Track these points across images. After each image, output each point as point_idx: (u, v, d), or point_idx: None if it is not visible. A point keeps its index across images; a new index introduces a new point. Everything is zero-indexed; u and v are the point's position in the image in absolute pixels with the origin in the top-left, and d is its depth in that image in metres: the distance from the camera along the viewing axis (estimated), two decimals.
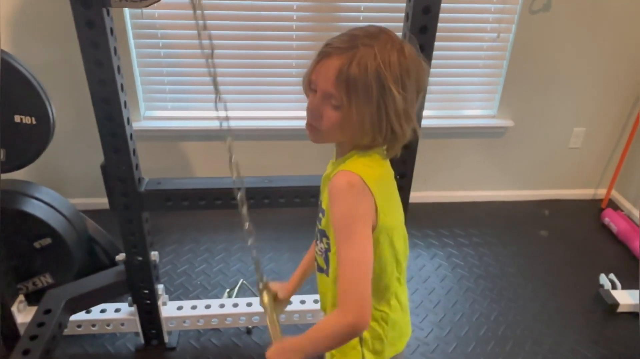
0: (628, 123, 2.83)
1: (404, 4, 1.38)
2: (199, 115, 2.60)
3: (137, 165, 1.57)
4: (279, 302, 1.22)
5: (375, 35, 0.84)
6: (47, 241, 1.79)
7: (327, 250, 1.01)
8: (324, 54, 0.86)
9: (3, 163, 1.73)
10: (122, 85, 1.42)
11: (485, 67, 2.65)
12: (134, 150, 1.54)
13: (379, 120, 0.84)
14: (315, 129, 0.91)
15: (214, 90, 1.17)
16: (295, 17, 2.39)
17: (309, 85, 0.90)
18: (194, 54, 2.43)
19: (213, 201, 1.63)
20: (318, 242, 1.05)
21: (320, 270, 1.07)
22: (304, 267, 1.28)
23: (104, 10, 1.29)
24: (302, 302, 1.96)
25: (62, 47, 2.28)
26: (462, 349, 2.00)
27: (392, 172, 1.00)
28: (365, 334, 1.03)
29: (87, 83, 1.37)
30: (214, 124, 2.64)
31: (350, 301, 0.85)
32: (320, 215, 1.01)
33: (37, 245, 1.79)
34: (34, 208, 1.77)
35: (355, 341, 1.03)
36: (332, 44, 0.85)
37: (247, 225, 1.21)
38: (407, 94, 0.84)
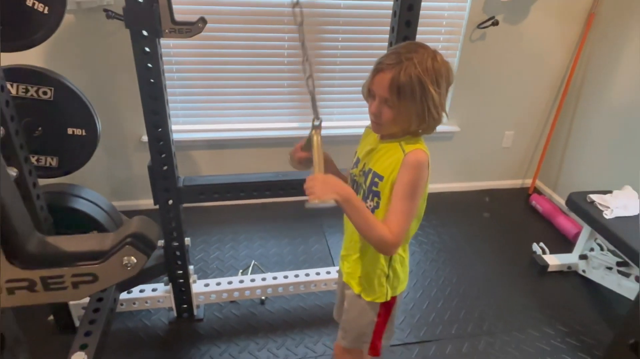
0: (546, 127, 3.05)
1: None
2: (205, 128, 2.66)
3: (176, 165, 1.65)
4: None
5: (414, 49, 1.00)
6: (94, 233, 1.83)
7: (376, 207, 1.10)
8: (378, 70, 1.02)
9: (55, 169, 1.78)
10: (167, 100, 1.51)
11: None
12: (174, 153, 1.63)
13: (422, 113, 1.00)
14: (376, 124, 1.08)
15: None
16: (286, 46, 2.52)
17: (369, 93, 1.06)
18: (202, 77, 2.52)
19: (238, 194, 1.73)
20: (368, 201, 1.11)
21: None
22: (336, 170, 1.26)
23: (157, 40, 1.38)
24: (317, 273, 2.07)
25: (84, 71, 2.33)
26: (433, 305, 2.15)
27: None
28: (391, 272, 1.17)
29: (140, 98, 1.45)
30: (218, 135, 2.74)
31: (398, 233, 1.00)
32: (377, 179, 1.08)
33: None
34: (82, 205, 1.80)
35: (383, 280, 1.17)
36: (383, 61, 1.01)
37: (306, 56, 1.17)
38: (441, 90, 1.00)
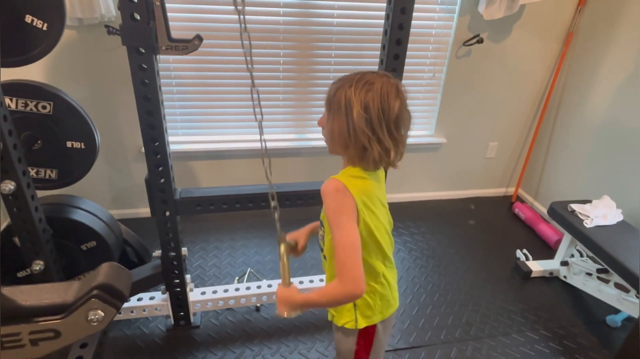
0: (528, 139, 3.04)
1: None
2: (203, 139, 2.60)
3: (173, 178, 1.59)
4: (296, 250, 1.18)
5: (357, 76, 0.93)
6: (93, 244, 1.76)
7: (323, 235, 1.06)
8: (332, 84, 0.98)
9: (55, 181, 1.71)
10: (164, 115, 1.46)
11: (424, 98, 2.78)
12: (171, 166, 1.57)
13: (347, 133, 0.91)
14: (325, 140, 1.02)
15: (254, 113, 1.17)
16: (281, 62, 2.48)
17: None
18: (200, 90, 2.46)
19: (234, 205, 1.67)
20: (320, 230, 1.09)
21: (321, 250, 1.11)
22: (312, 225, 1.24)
23: (154, 57, 1.33)
24: (311, 281, 2.03)
25: (84, 85, 2.26)
26: (423, 311, 2.10)
27: (377, 182, 1.01)
28: (359, 302, 1.07)
29: (137, 112, 1.39)
30: (216, 146, 2.69)
31: (347, 274, 0.89)
32: (321, 226, 1.08)
33: (83, 247, 1.76)
34: (81, 216, 1.74)
35: (350, 305, 1.08)
36: (338, 79, 0.97)
37: (271, 191, 1.21)
38: (370, 117, 0.89)
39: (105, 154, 2.43)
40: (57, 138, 1.61)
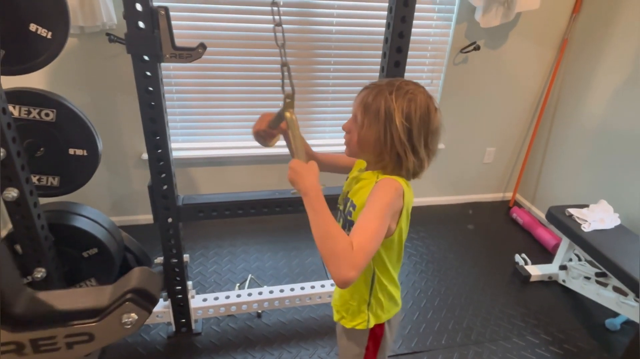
0: (525, 144, 3.06)
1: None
2: (203, 146, 2.60)
3: (175, 185, 1.60)
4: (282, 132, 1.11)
5: (399, 86, 0.91)
6: (94, 251, 1.76)
7: (351, 212, 1.00)
8: (363, 89, 0.97)
9: (57, 188, 1.71)
10: (167, 122, 1.47)
11: None
12: (174, 173, 1.57)
13: (384, 141, 0.90)
14: (346, 142, 1.01)
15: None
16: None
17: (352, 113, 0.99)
18: (200, 97, 2.47)
19: (236, 211, 1.67)
20: (345, 229, 1.01)
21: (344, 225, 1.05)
22: (319, 157, 1.20)
23: (158, 64, 1.34)
24: (312, 287, 2.02)
25: (86, 93, 2.27)
26: (424, 316, 2.11)
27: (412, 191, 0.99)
28: (372, 301, 1.06)
29: (141, 120, 1.40)
30: (215, 153, 2.70)
31: (360, 249, 0.80)
32: (351, 208, 1.00)
33: (85, 254, 1.75)
34: (83, 223, 1.73)
35: (364, 306, 1.07)
36: (369, 84, 0.96)
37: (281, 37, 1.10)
38: (411, 127, 0.88)
39: (105, 161, 2.43)
40: (59, 145, 1.61)
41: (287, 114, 0.98)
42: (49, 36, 1.41)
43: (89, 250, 1.75)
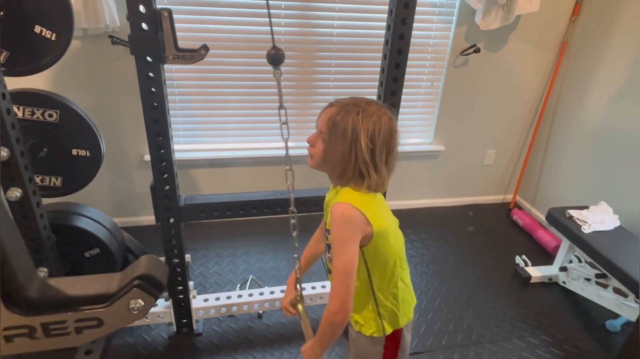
0: (525, 146, 3.07)
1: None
2: (205, 147, 2.61)
3: (177, 185, 1.61)
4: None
5: (364, 107, 0.96)
6: (96, 251, 1.77)
7: (331, 259, 1.05)
8: (328, 105, 1.01)
9: (59, 188, 1.72)
10: (170, 123, 1.48)
11: (423, 107, 2.81)
12: (176, 174, 1.58)
13: (349, 159, 0.95)
14: (310, 155, 1.05)
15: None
16: (283, 70, 2.50)
17: (316, 125, 1.04)
18: (202, 99, 2.49)
19: (238, 212, 1.69)
20: (327, 253, 1.11)
21: (329, 272, 1.12)
22: (304, 266, 1.33)
23: (161, 66, 1.35)
24: (313, 288, 2.03)
25: (89, 94, 2.28)
26: (424, 317, 2.11)
27: (380, 197, 1.05)
28: (382, 310, 1.08)
29: (144, 121, 1.41)
30: (217, 154, 2.71)
31: (335, 298, 0.96)
32: (327, 234, 1.06)
33: (87, 254, 1.77)
34: (85, 223, 1.75)
35: (376, 315, 1.09)
36: (336, 100, 1.01)
37: (295, 246, 1.19)
38: (374, 147, 0.94)
39: (108, 162, 2.44)
40: (62, 146, 1.63)
41: (299, 307, 1.16)
42: (53, 38, 1.42)
43: (91, 250, 1.76)
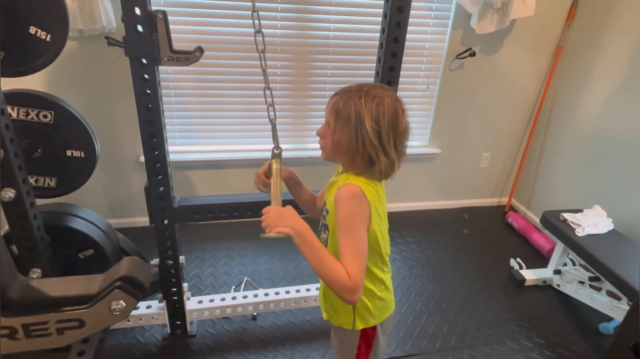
0: (520, 149, 3.08)
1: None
2: (200, 149, 2.62)
3: (172, 187, 1.61)
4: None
5: (367, 90, 0.95)
6: (90, 252, 1.76)
7: (326, 240, 1.05)
8: (333, 95, 1.00)
9: (54, 189, 1.72)
10: (164, 124, 1.48)
11: (419, 110, 2.83)
12: (171, 175, 1.59)
13: (356, 144, 0.93)
14: (322, 149, 1.04)
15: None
16: (279, 73, 2.52)
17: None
18: (198, 101, 2.49)
19: (232, 213, 1.69)
20: (322, 233, 1.08)
21: None
22: (303, 186, 1.24)
23: (155, 67, 1.35)
24: (308, 290, 2.03)
25: (84, 95, 2.28)
26: (418, 320, 2.11)
27: (383, 191, 1.04)
28: (358, 305, 1.08)
29: (138, 122, 1.42)
30: (212, 156, 2.71)
31: (355, 273, 0.88)
32: (325, 213, 1.05)
33: (81, 255, 1.76)
34: (79, 224, 1.74)
35: (350, 307, 1.09)
36: (340, 90, 0.99)
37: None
38: (380, 130, 0.92)
39: (103, 163, 2.44)
40: (57, 146, 1.62)
41: (272, 163, 1.09)
42: (48, 39, 1.42)
43: (85, 251, 1.76)
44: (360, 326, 1.10)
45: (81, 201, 1.95)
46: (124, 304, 0.77)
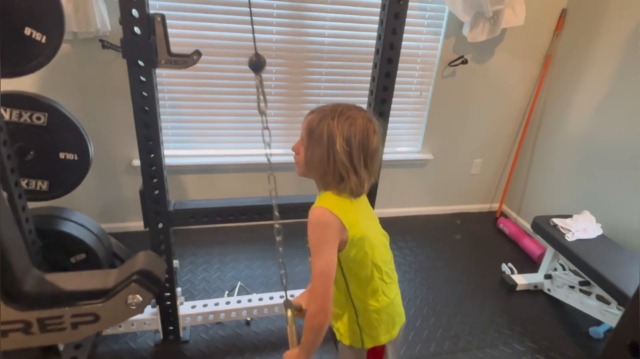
0: (511, 156, 3.13)
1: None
2: (194, 153, 2.60)
3: (167, 190, 1.60)
4: (302, 312, 1.18)
5: (338, 109, 0.97)
6: (82, 256, 1.73)
7: (311, 263, 1.05)
8: (309, 113, 1.02)
9: (45, 192, 1.69)
10: (160, 127, 1.47)
11: (412, 116, 2.84)
12: (166, 178, 1.57)
13: (327, 162, 0.96)
14: (296, 164, 1.05)
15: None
16: (273, 78, 2.52)
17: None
18: (192, 105, 2.48)
19: (227, 217, 1.68)
20: (309, 257, 1.08)
21: None
22: None
23: (152, 70, 1.35)
24: (292, 296, 2.01)
25: (78, 98, 2.26)
26: (412, 324, 2.11)
27: (360, 202, 1.04)
28: (362, 322, 1.07)
29: (135, 125, 1.41)
30: (206, 160, 2.70)
31: (314, 300, 0.96)
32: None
33: (73, 260, 1.73)
34: (71, 228, 1.71)
35: (355, 326, 1.07)
36: (316, 108, 1.01)
37: (280, 251, 1.21)
38: (351, 150, 0.94)
39: (96, 167, 2.41)
40: (50, 149, 1.60)
41: (287, 312, 1.12)
42: (43, 40, 1.41)
43: (77, 255, 1.73)
44: (369, 343, 1.09)
45: (73, 205, 1.93)
46: (140, 299, 0.75)
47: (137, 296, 0.75)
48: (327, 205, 0.97)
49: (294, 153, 1.06)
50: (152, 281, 0.77)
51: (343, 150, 0.94)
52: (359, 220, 1.01)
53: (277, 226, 1.15)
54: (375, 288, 1.05)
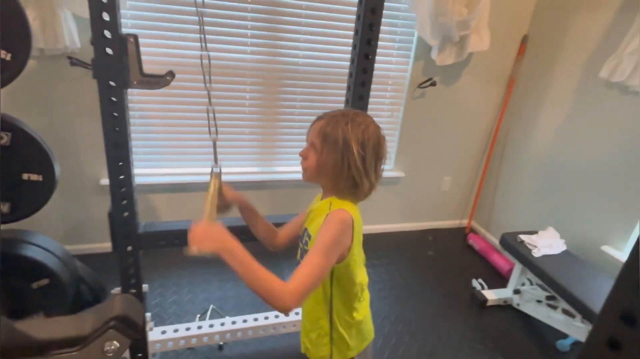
0: (478, 174, 3.24)
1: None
2: (164, 172, 2.55)
3: (137, 212, 1.55)
4: (223, 198, 1.17)
5: (352, 117, 1.00)
6: (45, 281, 1.65)
7: (306, 250, 1.04)
8: (317, 119, 1.04)
9: (7, 215, 1.61)
10: (131, 148, 1.44)
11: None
12: (136, 200, 1.53)
13: (342, 167, 0.97)
14: (303, 168, 1.06)
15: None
16: (248, 97, 2.53)
17: (306, 140, 1.05)
18: (162, 123, 2.44)
19: None
20: (300, 259, 1.08)
21: (298, 264, 1.08)
22: (258, 215, 1.27)
23: (124, 90, 1.33)
24: (276, 316, 1.98)
25: (44, 115, 2.19)
26: (387, 342, 2.12)
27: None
28: (334, 335, 1.08)
29: (104, 145, 1.37)
30: (177, 179, 2.65)
31: (297, 290, 0.85)
32: (307, 238, 1.05)
33: (34, 285, 1.64)
34: (33, 252, 1.63)
35: (327, 340, 1.08)
36: (324, 114, 1.03)
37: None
38: (365, 154, 0.96)
39: (61, 186, 2.29)
40: (12, 170, 1.53)
41: (213, 183, 1.09)
42: (8, 58, 1.36)
43: (39, 281, 1.64)
44: (338, 358, 1.08)
45: (36, 227, 1.84)
46: (118, 345, 0.72)
47: (115, 342, 0.72)
48: (352, 212, 0.97)
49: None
50: (130, 326, 0.73)
51: (359, 155, 0.95)
52: (359, 240, 1.03)
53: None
54: (355, 305, 1.07)
